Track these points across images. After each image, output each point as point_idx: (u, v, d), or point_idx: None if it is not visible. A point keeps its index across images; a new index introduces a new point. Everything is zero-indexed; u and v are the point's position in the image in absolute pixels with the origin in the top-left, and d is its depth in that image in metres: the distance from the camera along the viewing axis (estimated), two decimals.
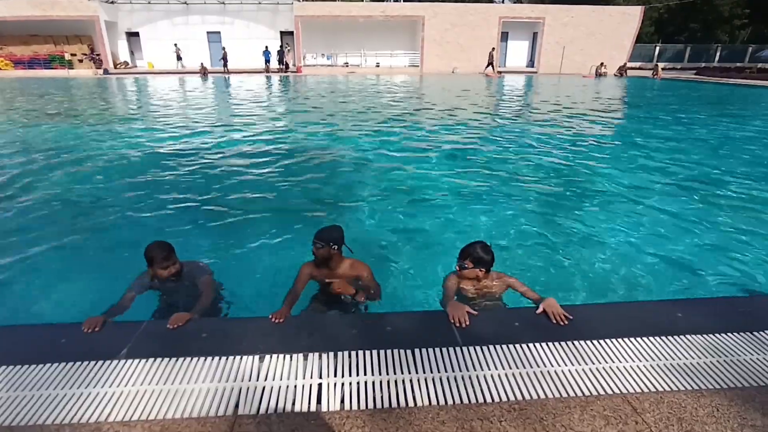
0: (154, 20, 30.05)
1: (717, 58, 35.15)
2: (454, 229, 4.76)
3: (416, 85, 22.79)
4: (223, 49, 28.53)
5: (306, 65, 30.29)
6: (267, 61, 29.37)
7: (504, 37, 31.83)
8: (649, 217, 5.06)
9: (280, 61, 29.87)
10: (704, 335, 2.30)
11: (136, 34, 30.47)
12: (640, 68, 32.83)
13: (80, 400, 1.87)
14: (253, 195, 5.87)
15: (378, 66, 31.49)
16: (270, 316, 2.45)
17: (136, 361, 2.10)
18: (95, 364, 2.08)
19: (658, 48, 35.79)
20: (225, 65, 28.22)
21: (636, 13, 31.07)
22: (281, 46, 30.54)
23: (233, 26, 30.82)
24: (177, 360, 2.11)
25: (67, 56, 28.11)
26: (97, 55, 28.50)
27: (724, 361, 2.12)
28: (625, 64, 29.79)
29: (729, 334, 2.32)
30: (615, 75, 29.21)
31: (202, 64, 27.53)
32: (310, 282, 3.11)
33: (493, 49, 29.33)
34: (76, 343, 2.25)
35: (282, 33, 31.25)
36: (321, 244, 2.91)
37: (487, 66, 29.10)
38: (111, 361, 2.10)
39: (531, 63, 33.16)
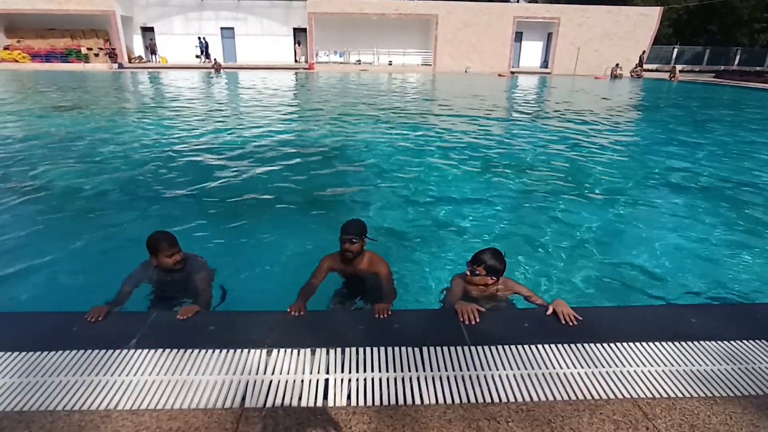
0: (168, 15, 30.33)
1: (737, 61, 34.48)
2: (466, 229, 4.73)
3: (429, 84, 22.70)
4: (151, 39, 28.56)
5: (318, 62, 30.34)
6: (203, 53, 29.60)
7: (518, 37, 31.53)
8: (664, 221, 4.98)
9: (206, 54, 30.02)
10: (718, 342, 2.26)
11: (151, 29, 30.79)
12: (657, 70, 32.30)
13: (90, 388, 1.89)
14: (260, 190, 5.88)
15: (390, 64, 31.43)
16: (288, 310, 2.44)
17: (146, 351, 2.12)
18: (105, 352, 2.10)
19: (676, 50, 35.19)
20: (153, 56, 28.43)
21: (654, 14, 30.54)
22: (200, 42, 30.48)
23: (246, 22, 31.00)
24: (185, 351, 2.12)
25: (84, 50, 28.46)
26: (113, 49, 28.83)
27: (739, 368, 2.08)
28: (636, 65, 29.30)
29: (744, 341, 2.27)
30: (632, 76, 28.79)
31: (215, 59, 27.74)
32: (330, 275, 3.00)
33: (644, 52, 29.05)
34: (86, 332, 2.27)
35: (295, 30, 31.36)
36: (356, 239, 2.80)
37: (636, 66, 28.92)
38: (121, 350, 2.12)
39: (545, 63, 32.82)
